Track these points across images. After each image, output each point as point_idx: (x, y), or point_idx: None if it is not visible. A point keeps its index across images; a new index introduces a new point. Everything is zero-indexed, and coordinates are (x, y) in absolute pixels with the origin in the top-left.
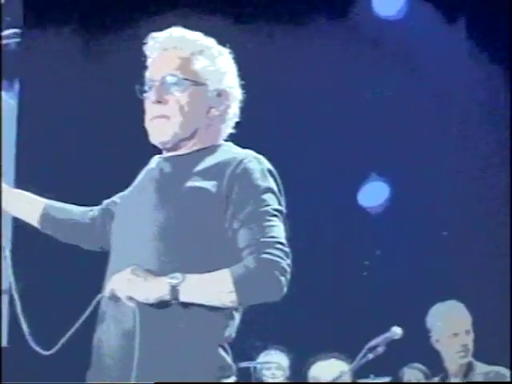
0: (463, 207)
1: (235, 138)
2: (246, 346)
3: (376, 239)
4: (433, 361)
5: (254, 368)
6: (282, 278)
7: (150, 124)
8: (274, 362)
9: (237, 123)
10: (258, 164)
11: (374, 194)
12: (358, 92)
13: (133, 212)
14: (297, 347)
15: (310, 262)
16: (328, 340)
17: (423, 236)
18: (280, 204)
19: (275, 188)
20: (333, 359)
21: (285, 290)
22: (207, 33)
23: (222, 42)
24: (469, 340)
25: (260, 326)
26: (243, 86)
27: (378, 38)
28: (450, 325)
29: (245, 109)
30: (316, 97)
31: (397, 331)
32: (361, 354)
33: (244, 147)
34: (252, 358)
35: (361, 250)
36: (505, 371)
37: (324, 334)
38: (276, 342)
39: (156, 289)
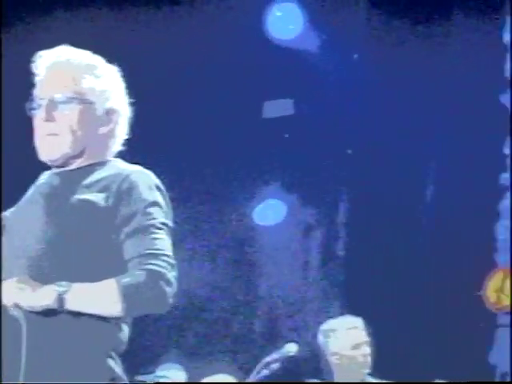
0: None
1: (124, 155)
2: (143, 359)
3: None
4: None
5: (151, 381)
6: (167, 289)
7: (39, 141)
8: (169, 376)
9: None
10: (145, 178)
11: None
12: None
13: (22, 225)
14: (194, 362)
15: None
16: (224, 355)
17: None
18: (166, 218)
19: (162, 202)
20: (221, 374)
21: (170, 301)
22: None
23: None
24: (367, 353)
25: (157, 339)
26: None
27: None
28: (349, 337)
29: (136, 125)
30: (213, 113)
31: (291, 348)
32: (256, 370)
33: (135, 162)
34: (150, 372)
35: (253, 267)
36: None
37: (220, 349)
38: (173, 356)
39: (42, 297)
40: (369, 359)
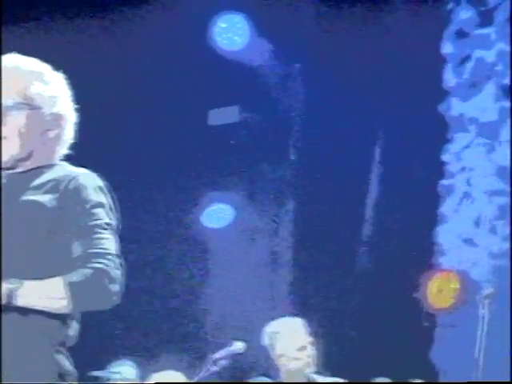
0: None
1: (70, 158)
2: (96, 355)
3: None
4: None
5: (104, 377)
6: (112, 287)
7: None
8: (122, 372)
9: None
10: (90, 180)
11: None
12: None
13: None
14: (145, 358)
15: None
16: (175, 352)
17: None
18: (111, 218)
19: (106, 203)
20: (170, 371)
21: (115, 298)
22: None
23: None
24: (311, 353)
25: (110, 336)
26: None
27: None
28: (293, 339)
29: (82, 130)
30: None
31: (239, 346)
32: (205, 367)
33: (80, 166)
34: (103, 368)
35: (194, 266)
36: (343, 382)
37: (171, 346)
38: (126, 352)
39: None
40: (313, 359)
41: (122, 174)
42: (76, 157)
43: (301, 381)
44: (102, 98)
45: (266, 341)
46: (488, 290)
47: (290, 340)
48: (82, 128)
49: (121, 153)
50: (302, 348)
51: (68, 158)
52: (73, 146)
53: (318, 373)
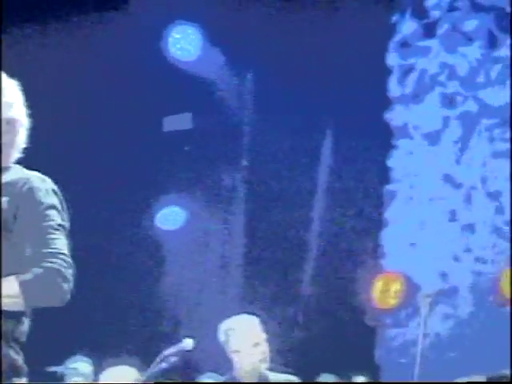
0: None
1: (23, 162)
2: (53, 351)
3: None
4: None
5: (61, 372)
6: (64, 285)
7: None
8: (78, 368)
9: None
10: (42, 183)
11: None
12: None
13: None
14: (99, 354)
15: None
16: (129, 348)
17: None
18: (63, 220)
19: (58, 205)
20: (123, 366)
21: (68, 296)
22: None
23: None
24: (265, 349)
25: (66, 332)
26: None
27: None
28: (248, 336)
29: (35, 135)
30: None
31: (188, 343)
32: (155, 363)
33: (33, 169)
34: (59, 363)
35: (148, 266)
36: (294, 378)
37: (125, 343)
38: (81, 348)
39: None
40: (267, 355)
41: (77, 178)
42: (29, 160)
43: (254, 376)
44: (56, 104)
45: (221, 337)
46: (429, 290)
47: (245, 336)
48: (36, 133)
49: (76, 157)
50: (256, 345)
51: (21, 162)
52: (26, 150)
53: (270, 369)
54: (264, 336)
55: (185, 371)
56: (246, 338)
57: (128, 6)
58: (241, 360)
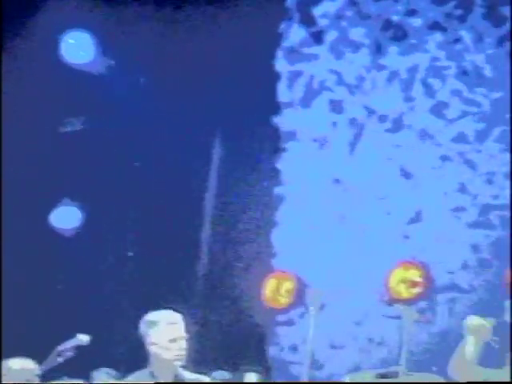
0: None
1: None
2: None
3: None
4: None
5: None
6: None
7: None
8: None
9: None
10: None
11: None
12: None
13: None
14: None
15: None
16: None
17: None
18: None
19: None
20: (18, 359)
21: None
22: None
23: None
24: (183, 347)
25: None
26: None
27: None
28: (168, 330)
29: None
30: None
31: (83, 338)
32: (50, 357)
33: None
34: None
35: (54, 268)
36: (206, 378)
37: (20, 336)
38: None
39: None
40: (183, 353)
41: None
42: None
43: (169, 372)
44: None
45: (142, 328)
46: (317, 289)
47: (165, 330)
48: None
49: None
50: (174, 340)
51: None
52: None
53: (184, 367)
54: (183, 334)
55: (80, 366)
56: (165, 332)
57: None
58: (157, 353)
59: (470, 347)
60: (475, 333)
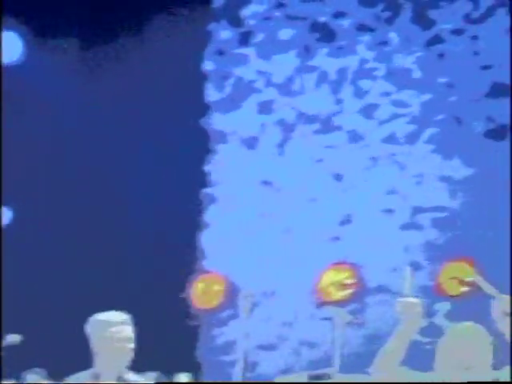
0: None
1: None
2: None
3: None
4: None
5: None
6: None
7: None
8: None
9: None
10: None
11: None
12: None
13: None
14: None
15: None
16: None
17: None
18: None
19: None
20: None
21: None
22: None
23: None
24: (129, 348)
25: None
26: None
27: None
28: (113, 331)
29: None
30: None
31: (14, 338)
32: None
33: None
34: None
35: None
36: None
37: None
38: None
39: None
40: (130, 354)
41: None
42: None
43: (114, 373)
44: None
45: (88, 328)
46: (247, 291)
47: (110, 331)
48: None
49: None
50: (120, 340)
51: None
52: None
53: (129, 368)
54: (131, 335)
55: (11, 366)
56: (110, 333)
57: None
58: (102, 352)
59: (400, 336)
60: (407, 315)
